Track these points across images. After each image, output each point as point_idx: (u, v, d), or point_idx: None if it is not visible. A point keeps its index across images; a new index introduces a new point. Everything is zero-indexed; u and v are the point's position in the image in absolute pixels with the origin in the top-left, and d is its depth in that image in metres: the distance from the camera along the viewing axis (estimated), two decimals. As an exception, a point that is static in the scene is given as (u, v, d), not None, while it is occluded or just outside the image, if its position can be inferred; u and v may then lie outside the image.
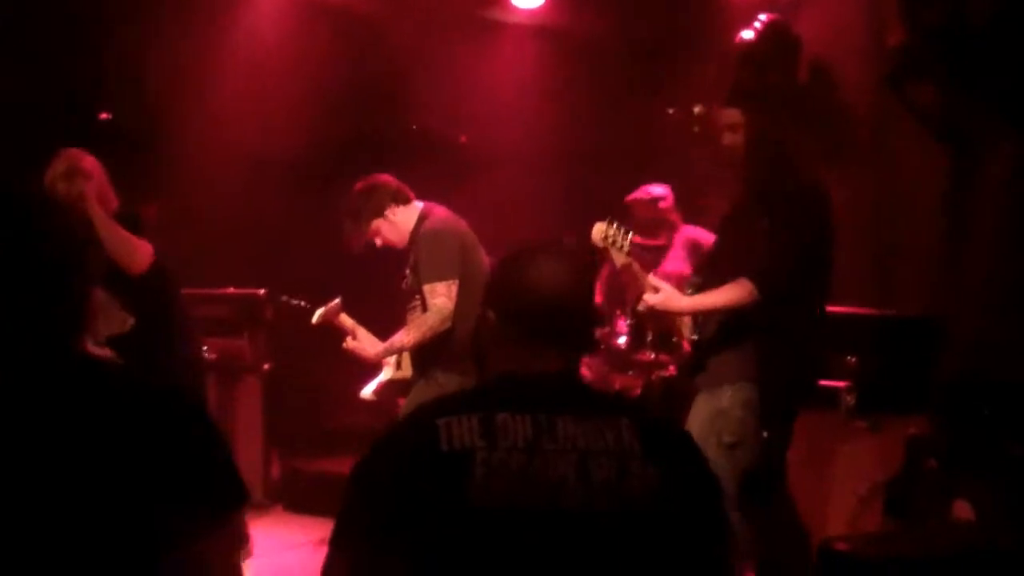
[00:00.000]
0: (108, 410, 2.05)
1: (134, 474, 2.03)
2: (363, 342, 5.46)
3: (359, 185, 5.47)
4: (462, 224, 5.42)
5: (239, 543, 2.19)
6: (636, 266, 4.68)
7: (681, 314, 4.66)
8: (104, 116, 7.96)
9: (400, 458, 2.15)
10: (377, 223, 5.42)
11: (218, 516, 2.12)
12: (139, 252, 5.23)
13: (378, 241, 5.48)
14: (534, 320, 2.30)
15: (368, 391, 5.65)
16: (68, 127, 7.63)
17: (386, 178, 5.48)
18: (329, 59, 8.32)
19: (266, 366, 7.65)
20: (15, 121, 7.28)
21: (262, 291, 7.55)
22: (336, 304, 5.51)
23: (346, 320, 5.52)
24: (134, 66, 7.96)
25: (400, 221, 5.42)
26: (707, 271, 4.77)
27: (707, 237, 6.13)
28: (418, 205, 5.47)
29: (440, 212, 5.43)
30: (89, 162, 5.23)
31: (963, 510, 4.44)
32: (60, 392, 2.05)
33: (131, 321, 5.15)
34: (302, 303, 5.68)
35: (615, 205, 7.51)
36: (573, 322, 2.34)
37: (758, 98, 4.78)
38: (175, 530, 2.06)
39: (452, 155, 8.32)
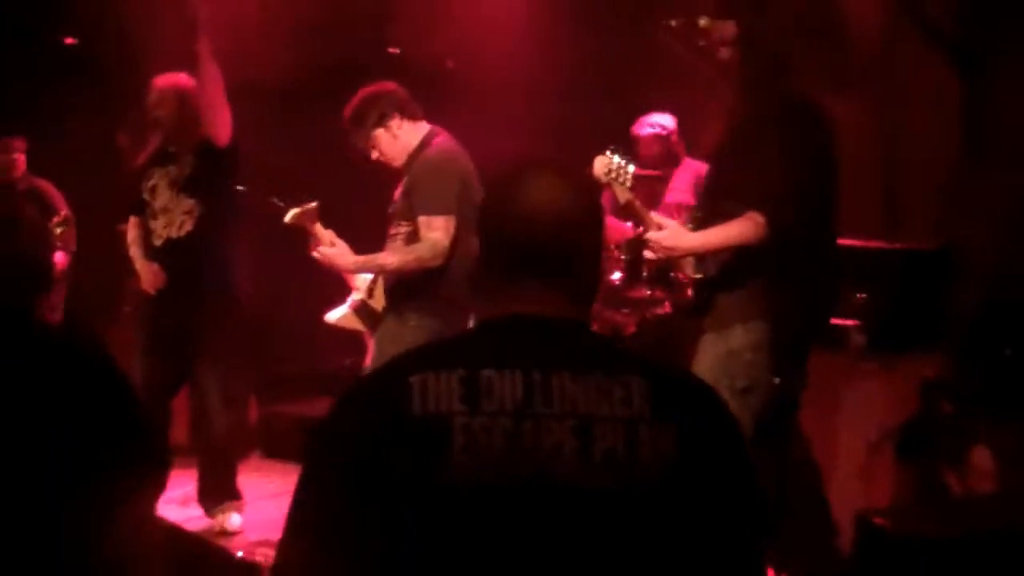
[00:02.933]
0: None
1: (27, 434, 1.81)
2: (337, 251, 5.07)
3: (365, 90, 5.13)
4: (466, 158, 5.07)
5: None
6: (638, 203, 4.34)
7: (688, 253, 4.30)
8: (69, 41, 7.62)
9: (364, 422, 1.82)
10: (378, 133, 5.06)
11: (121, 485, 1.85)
12: (227, 120, 5.38)
13: (374, 155, 5.12)
14: (526, 249, 1.90)
15: (334, 316, 5.35)
16: (31, 51, 7.33)
17: (395, 87, 5.14)
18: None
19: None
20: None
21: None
22: (313, 207, 5.15)
23: (322, 230, 5.13)
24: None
25: (402, 136, 5.06)
26: (708, 202, 4.41)
27: None
28: (425, 126, 5.12)
29: (446, 139, 5.09)
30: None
31: (982, 457, 4.16)
32: None
33: (188, 228, 5.49)
34: (275, 200, 5.34)
35: (613, 132, 7.21)
36: (575, 254, 1.93)
37: (753, 6, 4.42)
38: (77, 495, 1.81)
39: (438, 81, 7.93)
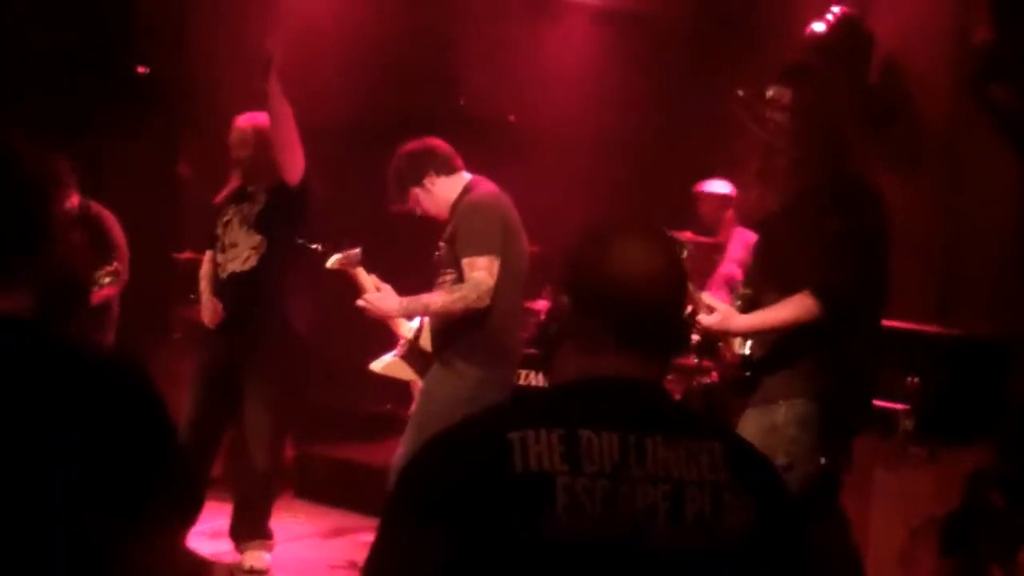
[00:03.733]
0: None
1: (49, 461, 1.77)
2: (383, 297, 5.01)
3: (406, 147, 5.17)
4: (508, 202, 5.07)
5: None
6: (690, 285, 4.29)
7: (738, 335, 4.27)
8: (141, 70, 7.71)
9: (460, 476, 1.81)
10: (415, 191, 5.11)
11: (154, 529, 1.81)
12: (299, 160, 5.45)
13: (418, 211, 5.17)
14: (620, 312, 1.93)
15: (379, 364, 5.32)
16: (103, 79, 7.42)
17: (435, 144, 5.16)
18: (382, 28, 8.01)
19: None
20: (51, 71, 7.08)
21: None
22: (355, 253, 5.13)
23: (365, 276, 5.09)
24: (175, 20, 7.70)
25: (439, 192, 5.09)
26: (757, 279, 4.35)
27: None
28: (465, 176, 5.14)
29: (487, 186, 5.10)
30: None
31: (1032, 556, 4.06)
32: None
33: (252, 263, 5.54)
34: (318, 247, 5.33)
35: (670, 193, 7.21)
36: (664, 319, 1.98)
37: (809, 76, 4.38)
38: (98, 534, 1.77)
39: (499, 134, 7.97)
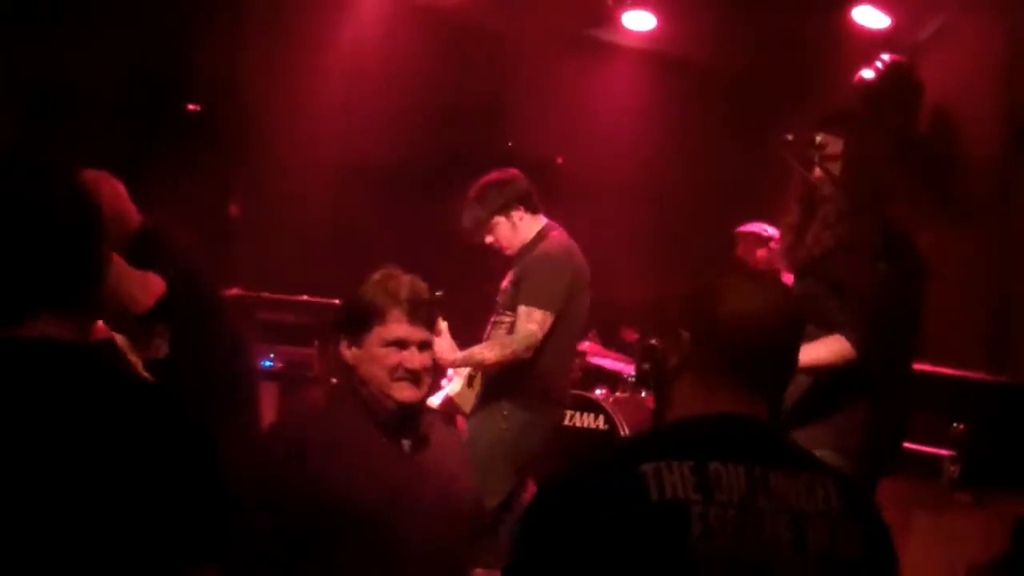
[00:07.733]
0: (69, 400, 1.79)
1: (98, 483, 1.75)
2: (441, 345, 5.01)
3: (493, 174, 5.14)
4: (580, 255, 5.08)
5: None
6: None
7: None
8: (192, 107, 7.80)
9: (602, 510, 1.89)
10: (498, 219, 5.07)
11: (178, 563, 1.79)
12: (142, 291, 4.63)
13: (489, 239, 5.12)
14: (743, 353, 2.05)
15: (433, 401, 5.31)
16: (155, 117, 7.51)
17: (523, 177, 5.15)
18: (431, 69, 8.08)
19: (333, 380, 7.33)
20: (103, 105, 7.17)
21: (337, 301, 7.23)
22: (439, 296, 5.13)
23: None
24: (229, 60, 7.78)
25: (522, 228, 5.08)
26: None
27: None
28: (542, 220, 5.14)
29: (562, 236, 5.10)
30: (103, 186, 4.75)
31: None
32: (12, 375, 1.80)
33: (165, 349, 4.80)
34: None
35: (714, 238, 7.19)
36: (782, 361, 2.10)
37: (858, 123, 4.36)
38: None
39: (547, 176, 7.99)
